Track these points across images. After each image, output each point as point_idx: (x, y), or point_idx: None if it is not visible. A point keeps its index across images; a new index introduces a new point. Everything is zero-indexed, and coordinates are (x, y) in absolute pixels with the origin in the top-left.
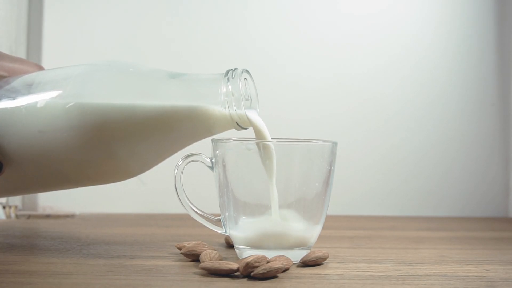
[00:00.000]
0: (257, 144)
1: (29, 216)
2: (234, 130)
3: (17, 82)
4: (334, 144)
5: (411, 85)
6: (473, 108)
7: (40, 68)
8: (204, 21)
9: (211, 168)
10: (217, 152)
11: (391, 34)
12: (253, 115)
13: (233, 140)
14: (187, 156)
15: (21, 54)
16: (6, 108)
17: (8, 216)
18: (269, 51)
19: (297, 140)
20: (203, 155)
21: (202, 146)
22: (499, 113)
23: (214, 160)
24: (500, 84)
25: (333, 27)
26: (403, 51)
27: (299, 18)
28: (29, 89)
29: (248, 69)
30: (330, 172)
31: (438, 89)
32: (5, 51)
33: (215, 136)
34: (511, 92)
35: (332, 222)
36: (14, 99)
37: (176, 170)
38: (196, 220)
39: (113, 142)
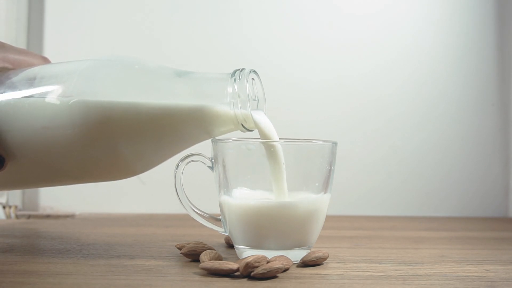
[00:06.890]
0: (263, 144)
1: (29, 216)
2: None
3: (19, 77)
4: (334, 144)
5: (411, 85)
6: (473, 108)
7: (45, 59)
8: (204, 21)
9: (211, 168)
10: (217, 152)
11: (391, 35)
12: (259, 117)
13: (233, 140)
14: (187, 156)
15: None
16: (9, 103)
17: (8, 216)
18: (269, 52)
19: (297, 140)
20: (203, 155)
21: (202, 146)
22: (499, 113)
23: (214, 160)
24: (500, 84)
25: (334, 28)
26: (404, 52)
27: (299, 19)
28: (32, 84)
29: (255, 70)
30: (330, 172)
31: (438, 90)
32: None
33: None
34: (511, 92)
35: (332, 222)
36: (17, 93)
37: (176, 170)
38: (196, 220)
39: (116, 140)
